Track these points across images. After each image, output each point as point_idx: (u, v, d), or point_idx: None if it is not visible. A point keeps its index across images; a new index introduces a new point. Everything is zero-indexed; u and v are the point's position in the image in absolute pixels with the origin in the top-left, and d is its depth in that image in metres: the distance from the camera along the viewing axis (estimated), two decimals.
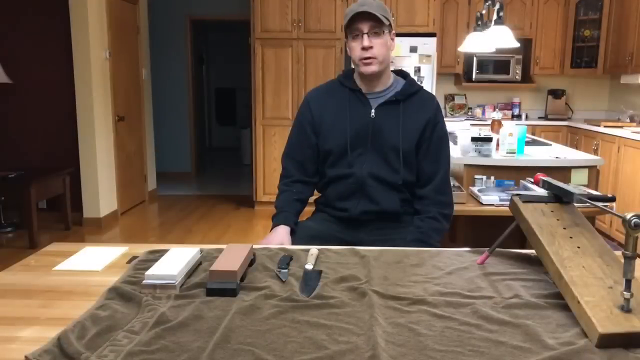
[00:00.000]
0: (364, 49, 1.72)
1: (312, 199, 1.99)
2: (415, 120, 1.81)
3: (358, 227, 1.84)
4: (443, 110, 6.09)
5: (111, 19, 5.00)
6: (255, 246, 1.46)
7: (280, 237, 1.75)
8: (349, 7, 1.76)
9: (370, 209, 1.80)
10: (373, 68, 1.75)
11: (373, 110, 1.80)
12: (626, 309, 1.02)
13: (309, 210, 1.95)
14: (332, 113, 1.84)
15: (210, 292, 1.18)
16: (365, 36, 1.72)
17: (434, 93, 5.15)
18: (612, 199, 1.40)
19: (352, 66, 1.86)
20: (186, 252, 1.36)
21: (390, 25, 1.76)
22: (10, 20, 4.74)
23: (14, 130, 4.87)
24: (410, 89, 1.83)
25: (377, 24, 1.72)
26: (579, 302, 1.05)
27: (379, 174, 1.79)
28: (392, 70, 1.88)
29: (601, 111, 6.10)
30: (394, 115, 1.80)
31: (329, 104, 1.85)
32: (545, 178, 1.45)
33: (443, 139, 1.86)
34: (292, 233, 1.81)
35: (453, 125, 4.69)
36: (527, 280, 1.28)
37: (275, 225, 1.82)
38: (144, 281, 1.20)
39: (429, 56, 5.14)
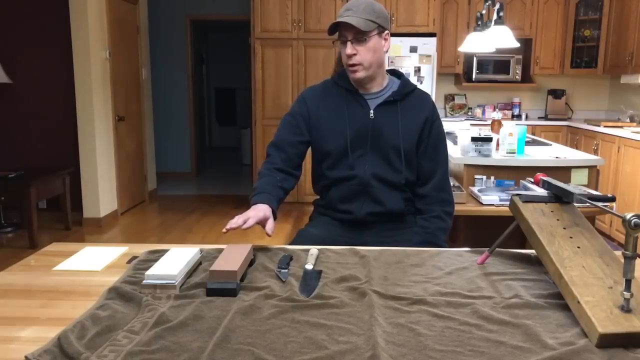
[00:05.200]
0: (347, 56, 1.72)
1: (310, 199, 1.97)
2: (414, 120, 1.80)
3: (363, 229, 1.83)
4: (443, 110, 6.10)
5: (111, 19, 5.00)
6: (255, 246, 1.45)
7: (261, 213, 1.56)
8: (339, 11, 1.74)
9: (375, 211, 1.79)
10: (359, 75, 1.74)
11: (372, 111, 1.80)
12: (626, 309, 1.02)
13: (308, 210, 1.94)
14: (330, 114, 1.82)
15: (210, 292, 1.18)
16: (349, 43, 1.70)
17: (434, 93, 5.19)
18: (612, 199, 1.40)
19: None
20: (186, 252, 1.36)
21: (380, 26, 1.72)
22: (10, 20, 4.74)
23: (14, 130, 4.87)
24: (406, 89, 1.83)
25: (362, 31, 1.69)
26: (579, 302, 1.05)
27: (382, 174, 1.78)
28: (386, 70, 1.87)
29: (601, 111, 6.10)
30: (392, 115, 1.79)
31: (326, 104, 1.84)
32: (545, 178, 1.45)
33: (441, 136, 1.86)
34: (274, 215, 1.64)
35: (453, 125, 4.70)
36: (527, 280, 1.28)
37: (255, 203, 1.63)
38: (144, 281, 1.20)
39: (429, 56, 5.15)
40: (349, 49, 1.70)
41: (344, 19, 1.67)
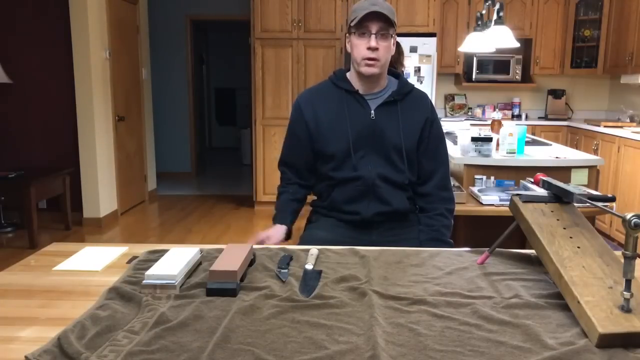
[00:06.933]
0: (369, 49, 1.70)
1: (308, 200, 1.99)
2: (414, 120, 1.81)
3: (370, 229, 1.83)
4: (443, 110, 6.10)
5: (111, 19, 5.00)
6: (255, 246, 1.46)
7: (268, 231, 1.84)
8: (359, 4, 1.72)
9: (382, 210, 1.80)
10: (374, 70, 1.73)
11: (372, 111, 1.79)
12: (626, 309, 1.02)
13: (307, 209, 1.96)
14: (330, 116, 1.81)
15: (210, 292, 1.18)
16: (373, 37, 1.69)
17: (434, 93, 5.19)
18: (612, 199, 1.40)
19: (351, 65, 1.84)
20: (186, 252, 1.36)
21: (395, 29, 1.75)
22: (10, 20, 4.74)
23: (14, 130, 4.87)
24: (405, 89, 1.83)
25: (386, 26, 1.70)
26: (579, 302, 1.05)
27: (386, 174, 1.79)
28: None
29: (601, 111, 6.10)
30: (393, 116, 1.79)
31: (324, 106, 1.83)
32: (545, 178, 1.45)
33: (440, 135, 1.87)
34: (289, 231, 1.89)
35: (453, 125, 4.69)
36: (527, 280, 1.28)
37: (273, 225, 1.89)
38: (144, 281, 1.20)
39: (429, 56, 5.14)
40: (374, 41, 1.70)
41: (377, 9, 1.67)
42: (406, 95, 1.83)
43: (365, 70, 1.74)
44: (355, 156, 1.78)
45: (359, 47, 1.73)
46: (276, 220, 1.89)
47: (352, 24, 1.73)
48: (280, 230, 1.85)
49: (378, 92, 1.82)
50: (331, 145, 1.80)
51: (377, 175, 1.78)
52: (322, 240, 1.76)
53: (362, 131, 1.78)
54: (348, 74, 1.86)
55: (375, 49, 1.70)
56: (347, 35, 1.79)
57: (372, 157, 1.79)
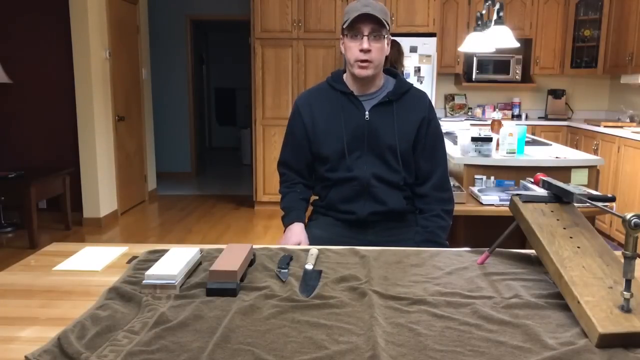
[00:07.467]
0: (362, 51, 1.70)
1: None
2: (410, 120, 1.80)
3: (366, 228, 1.84)
4: (443, 110, 6.10)
5: (111, 19, 5.00)
6: (255, 246, 1.46)
7: (297, 235, 1.81)
8: (351, 6, 1.72)
9: (377, 210, 1.80)
10: (368, 72, 1.73)
11: (367, 112, 1.79)
12: (626, 309, 1.02)
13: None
14: (325, 117, 1.82)
15: (210, 292, 1.18)
16: (365, 38, 1.69)
17: (434, 93, 5.19)
18: (612, 199, 1.40)
19: (345, 67, 1.84)
20: (186, 252, 1.36)
21: (388, 30, 1.74)
22: (10, 20, 4.74)
23: (14, 130, 4.87)
24: (401, 88, 1.82)
25: (379, 27, 1.69)
26: (579, 302, 1.05)
27: (381, 174, 1.79)
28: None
29: (601, 111, 6.10)
30: (388, 116, 1.79)
31: (321, 108, 1.84)
32: (545, 178, 1.45)
33: (438, 135, 1.86)
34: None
35: (453, 125, 4.70)
36: (527, 280, 1.28)
37: (288, 224, 1.86)
38: (144, 281, 1.20)
39: (429, 56, 5.15)
40: (366, 43, 1.69)
41: (369, 10, 1.66)
42: (403, 95, 1.82)
43: (358, 72, 1.74)
44: (350, 157, 1.79)
45: (352, 49, 1.72)
46: (290, 218, 1.87)
47: (344, 26, 1.73)
48: (302, 229, 1.84)
49: (373, 93, 1.81)
50: (326, 147, 1.81)
51: (371, 175, 1.78)
52: (318, 238, 1.78)
53: (356, 132, 1.78)
54: (344, 75, 1.86)
55: (367, 51, 1.70)
56: (341, 37, 1.79)
57: (368, 158, 1.79)
